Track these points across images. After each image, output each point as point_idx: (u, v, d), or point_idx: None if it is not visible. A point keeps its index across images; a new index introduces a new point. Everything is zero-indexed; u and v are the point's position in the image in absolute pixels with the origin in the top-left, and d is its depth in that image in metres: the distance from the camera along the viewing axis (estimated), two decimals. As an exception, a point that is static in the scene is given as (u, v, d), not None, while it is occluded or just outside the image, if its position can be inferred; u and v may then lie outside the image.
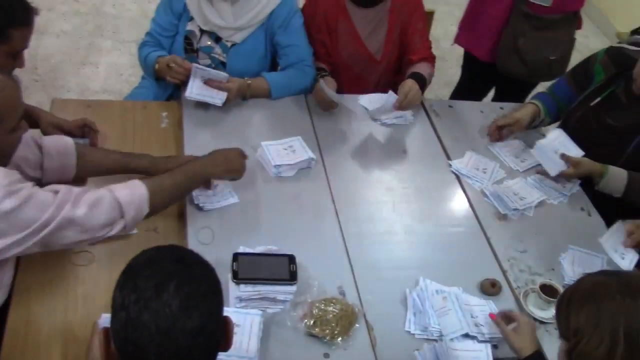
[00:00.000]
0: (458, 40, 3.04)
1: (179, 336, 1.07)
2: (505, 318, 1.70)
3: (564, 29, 2.76)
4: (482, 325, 1.76)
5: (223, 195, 2.00)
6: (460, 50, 3.11)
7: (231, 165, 1.94)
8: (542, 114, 2.46)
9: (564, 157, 2.20)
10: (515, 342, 1.62)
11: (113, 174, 1.90)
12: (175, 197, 1.82)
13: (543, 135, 2.30)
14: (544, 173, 2.28)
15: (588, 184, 2.28)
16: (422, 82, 2.42)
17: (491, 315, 1.74)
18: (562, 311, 1.34)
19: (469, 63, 3.10)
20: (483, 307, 1.81)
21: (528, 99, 2.59)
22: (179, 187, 1.79)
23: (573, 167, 2.18)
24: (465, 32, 2.99)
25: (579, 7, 2.77)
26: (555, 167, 2.20)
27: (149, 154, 1.99)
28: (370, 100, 2.44)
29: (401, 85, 2.34)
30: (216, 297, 1.17)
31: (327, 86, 2.33)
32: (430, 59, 2.61)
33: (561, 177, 2.22)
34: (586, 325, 1.27)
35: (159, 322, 1.07)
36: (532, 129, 2.50)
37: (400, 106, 2.31)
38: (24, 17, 1.77)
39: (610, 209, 2.21)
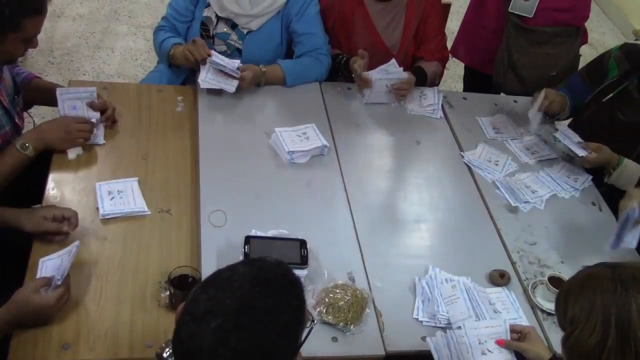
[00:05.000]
0: (455, 53, 2.94)
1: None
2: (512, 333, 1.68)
3: (566, 44, 2.67)
4: (499, 312, 1.78)
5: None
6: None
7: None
8: (567, 109, 2.45)
9: (582, 143, 2.20)
10: (534, 350, 1.61)
11: None
12: None
13: (557, 130, 2.30)
14: (570, 156, 2.28)
15: (599, 180, 2.28)
16: (423, 78, 2.55)
17: (499, 342, 1.66)
18: (560, 301, 1.36)
19: (469, 75, 3.03)
20: (498, 295, 1.84)
21: None
22: None
23: (595, 152, 2.17)
24: (463, 45, 2.91)
25: (581, 24, 2.67)
26: (580, 151, 2.19)
27: None
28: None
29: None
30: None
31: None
32: (443, 59, 2.66)
33: (584, 162, 2.21)
34: (580, 315, 1.28)
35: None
36: (551, 122, 2.50)
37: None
38: (38, 6, 1.77)
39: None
